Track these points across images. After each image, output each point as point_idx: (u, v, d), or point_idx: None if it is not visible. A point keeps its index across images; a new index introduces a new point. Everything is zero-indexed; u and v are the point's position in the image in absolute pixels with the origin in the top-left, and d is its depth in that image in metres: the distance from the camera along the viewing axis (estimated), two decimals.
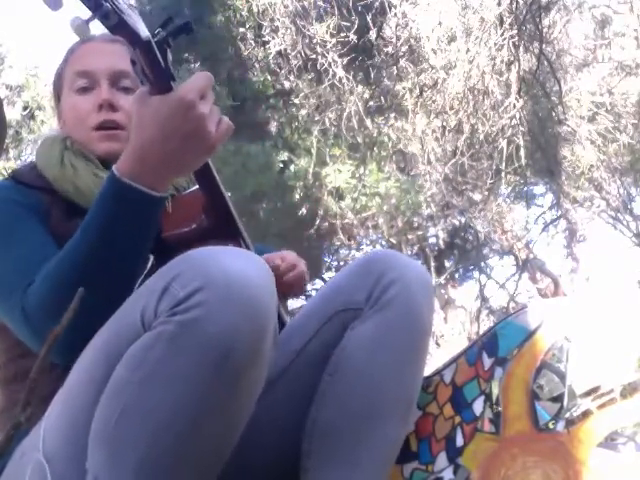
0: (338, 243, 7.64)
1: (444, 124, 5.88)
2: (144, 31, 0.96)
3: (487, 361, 1.19)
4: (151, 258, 1.12)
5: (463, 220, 8.02)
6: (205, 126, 0.98)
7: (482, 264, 9.08)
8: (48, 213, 1.19)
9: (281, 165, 6.76)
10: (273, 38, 5.97)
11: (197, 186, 1.23)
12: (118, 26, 0.93)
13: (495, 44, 5.01)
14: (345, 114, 5.94)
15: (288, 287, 1.32)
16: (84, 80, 1.29)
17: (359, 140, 6.62)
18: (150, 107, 0.98)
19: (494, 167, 6.09)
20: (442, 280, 8.56)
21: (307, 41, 5.80)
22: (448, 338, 8.57)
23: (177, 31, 0.99)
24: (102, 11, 0.91)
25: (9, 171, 1.38)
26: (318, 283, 8.26)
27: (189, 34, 1.01)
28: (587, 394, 1.13)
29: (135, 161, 1.01)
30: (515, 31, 4.94)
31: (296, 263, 1.34)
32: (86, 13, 0.92)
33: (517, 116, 5.33)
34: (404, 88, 5.97)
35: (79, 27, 0.92)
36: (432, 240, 8.75)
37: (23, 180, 1.24)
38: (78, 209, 1.18)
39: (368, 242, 8.22)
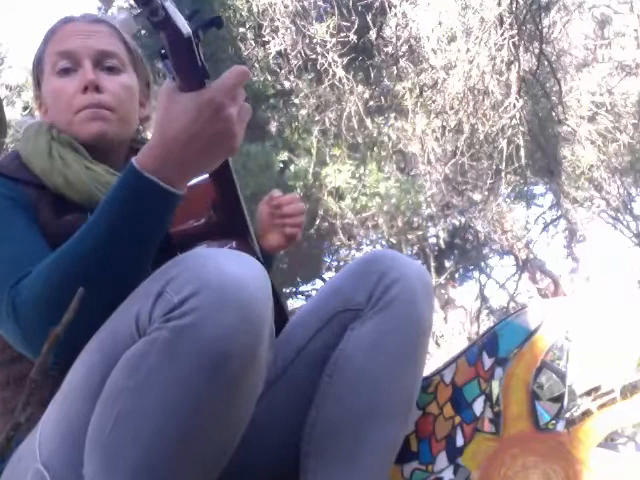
0: (338, 243, 7.64)
1: (444, 124, 5.88)
2: (185, 27, 0.92)
3: (487, 361, 1.19)
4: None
5: (463, 220, 8.02)
6: (232, 127, 0.96)
7: (482, 264, 9.08)
8: (35, 209, 1.13)
9: (281, 165, 6.76)
10: (273, 38, 5.97)
11: (202, 177, 1.18)
12: (163, 22, 0.90)
13: (495, 44, 5.01)
14: (345, 114, 5.94)
15: (286, 219, 1.34)
16: (65, 61, 1.23)
17: (359, 140, 6.62)
18: (179, 104, 0.95)
19: (494, 167, 6.09)
20: (442, 280, 8.56)
21: (307, 41, 5.80)
22: (448, 338, 8.56)
23: (207, 25, 0.96)
24: (151, 7, 0.88)
25: None
26: (318, 283, 8.27)
27: (219, 28, 0.97)
28: (587, 394, 1.12)
29: (157, 156, 0.97)
30: (515, 31, 4.94)
31: (296, 198, 1.35)
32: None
33: (517, 116, 5.34)
34: (404, 88, 5.97)
35: (125, 22, 0.90)
36: (432, 240, 8.75)
37: (6, 173, 1.17)
38: (68, 204, 1.14)
39: (368, 242, 8.22)
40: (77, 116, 1.21)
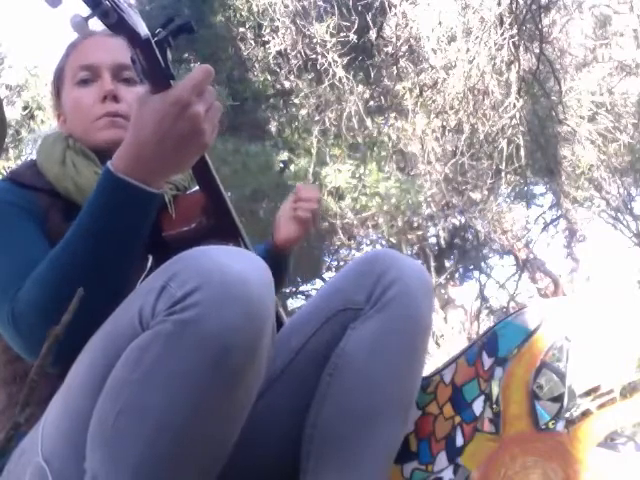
0: (338, 243, 7.63)
1: (444, 124, 5.89)
2: (144, 30, 0.97)
3: (487, 361, 1.19)
4: (150, 258, 1.12)
5: (463, 220, 8.02)
6: (199, 125, 0.98)
7: (482, 264, 9.08)
8: (46, 216, 1.17)
9: (281, 165, 6.76)
10: (273, 38, 5.98)
11: (194, 189, 1.24)
12: (117, 24, 0.94)
13: (495, 44, 5.01)
14: (345, 114, 5.94)
15: (300, 203, 1.47)
16: (86, 73, 1.29)
17: (359, 140, 6.62)
18: (148, 106, 0.98)
19: (494, 167, 6.09)
20: (442, 280, 8.56)
21: (307, 41, 5.81)
22: (448, 338, 8.56)
23: (178, 31, 1.00)
24: (101, 9, 0.92)
25: (9, 170, 1.36)
26: (318, 283, 8.26)
27: (190, 34, 1.01)
28: (587, 394, 1.12)
29: (130, 158, 1.01)
30: (515, 31, 4.95)
31: (315, 188, 1.45)
32: (82, 11, 0.93)
33: (517, 116, 5.34)
34: (404, 88, 5.98)
35: (78, 24, 0.93)
36: (432, 240, 8.74)
37: (20, 181, 1.22)
38: (78, 210, 1.16)
39: (368, 242, 8.21)
40: (94, 124, 1.26)
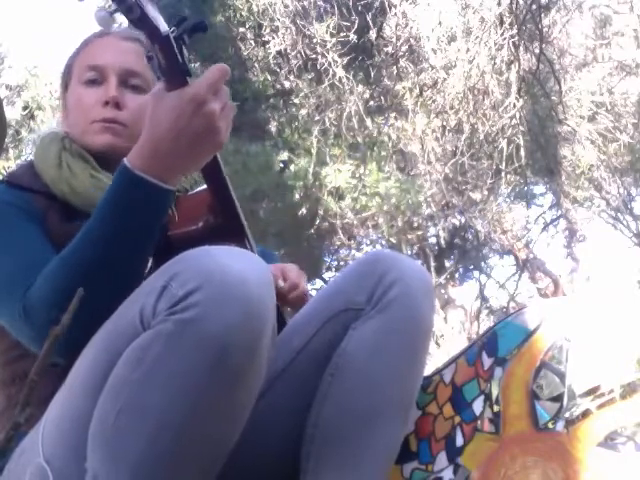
0: (338, 243, 7.63)
1: (444, 124, 5.89)
2: (164, 26, 0.97)
3: (487, 361, 1.19)
4: (150, 259, 1.12)
5: (463, 220, 8.02)
6: (215, 123, 0.99)
7: (482, 264, 9.08)
8: (44, 217, 1.17)
9: (281, 165, 6.76)
10: (273, 38, 5.98)
11: (203, 187, 1.23)
12: (140, 20, 0.94)
13: (495, 44, 5.02)
14: (345, 114, 5.95)
15: (288, 305, 1.31)
16: (93, 73, 1.28)
17: (359, 140, 6.62)
18: (164, 103, 0.99)
19: (494, 167, 6.09)
20: (442, 280, 8.55)
21: (307, 41, 5.82)
22: (448, 338, 8.56)
23: (192, 29, 1.00)
24: (126, 4, 0.93)
25: (9, 171, 1.37)
26: (318, 283, 8.26)
27: (204, 32, 1.02)
28: (587, 394, 1.13)
29: (146, 155, 1.01)
30: (515, 31, 4.95)
31: (298, 282, 1.32)
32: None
33: (517, 116, 5.34)
34: (404, 88, 5.98)
35: (103, 18, 0.94)
36: (432, 240, 8.74)
37: (18, 183, 1.22)
38: (75, 211, 1.18)
39: (368, 242, 8.21)
40: (91, 126, 1.26)
